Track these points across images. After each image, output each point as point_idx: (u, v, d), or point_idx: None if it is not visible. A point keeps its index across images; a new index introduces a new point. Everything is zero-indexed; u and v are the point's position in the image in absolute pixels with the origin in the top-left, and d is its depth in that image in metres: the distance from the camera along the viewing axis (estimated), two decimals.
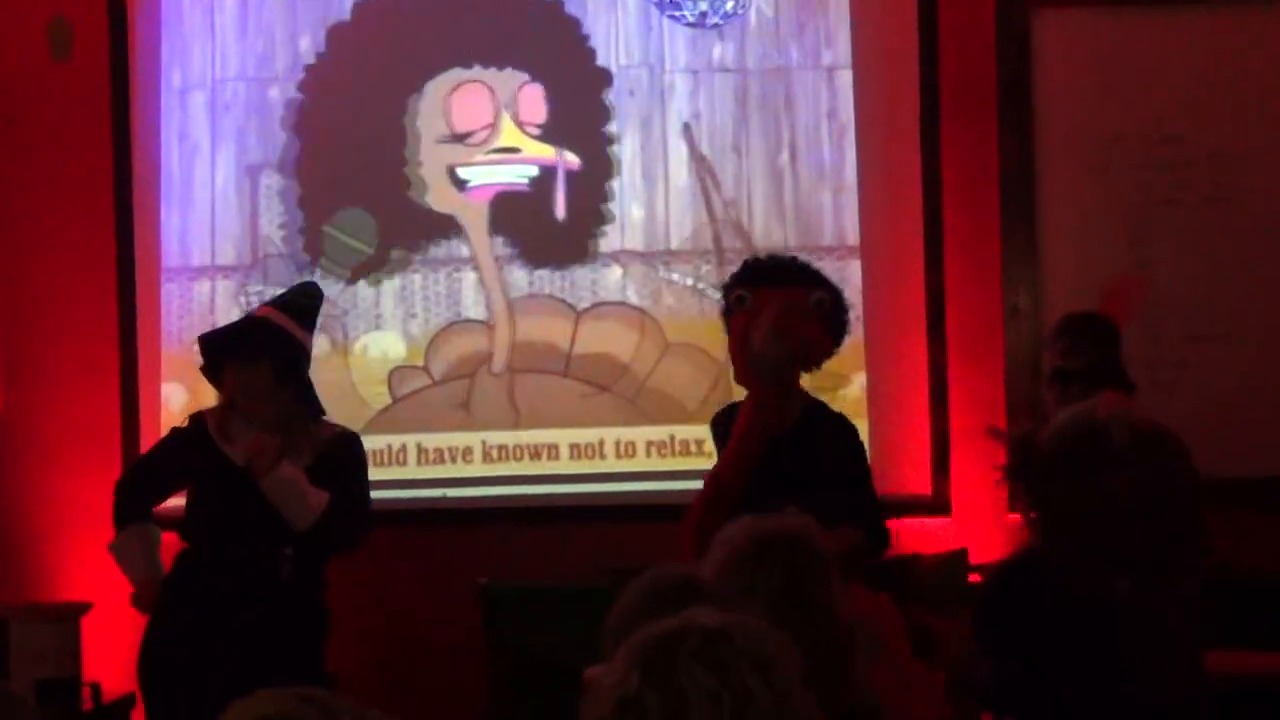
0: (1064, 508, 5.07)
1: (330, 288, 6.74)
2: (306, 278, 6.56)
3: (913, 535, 6.32)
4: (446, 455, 6.72)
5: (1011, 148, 6.60)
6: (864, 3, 6.72)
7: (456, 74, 6.82)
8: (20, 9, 6.69)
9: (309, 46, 6.83)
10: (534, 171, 6.79)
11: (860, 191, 6.69)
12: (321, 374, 5.87)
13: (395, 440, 6.64)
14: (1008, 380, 6.55)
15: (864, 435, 5.67)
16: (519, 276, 6.78)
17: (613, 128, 6.78)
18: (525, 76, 6.81)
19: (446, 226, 6.80)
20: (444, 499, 6.66)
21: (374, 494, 5.43)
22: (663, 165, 6.77)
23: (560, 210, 6.77)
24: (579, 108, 6.79)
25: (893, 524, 6.25)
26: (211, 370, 5.23)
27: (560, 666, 4.83)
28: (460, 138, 6.82)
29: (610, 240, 6.77)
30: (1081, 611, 2.89)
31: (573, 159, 6.77)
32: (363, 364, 6.77)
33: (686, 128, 6.78)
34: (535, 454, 6.72)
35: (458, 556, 6.44)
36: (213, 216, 6.79)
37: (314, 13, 6.82)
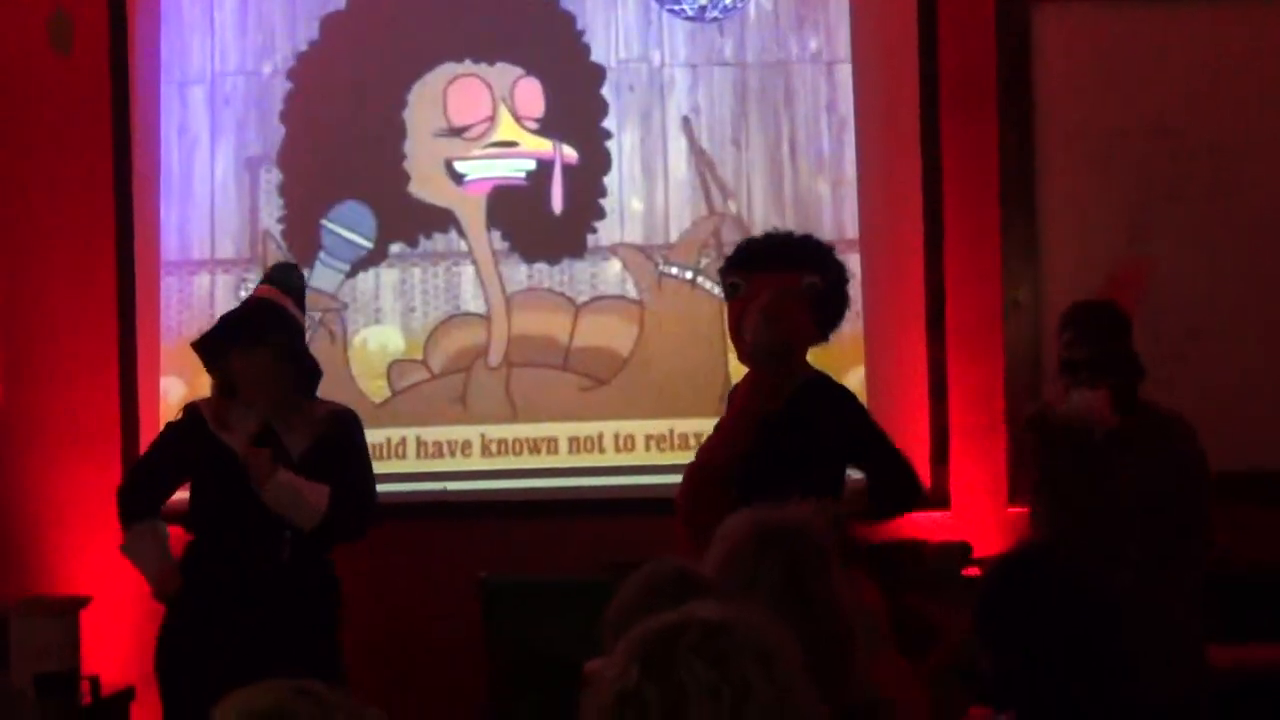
0: (1072, 487, 5.09)
1: (329, 281, 6.74)
2: (304, 271, 6.58)
3: (912, 529, 6.32)
4: (445, 449, 6.73)
5: (1011, 141, 6.60)
6: None
7: (451, 68, 6.82)
8: (20, 3, 6.69)
9: (307, 38, 6.82)
10: (531, 165, 6.79)
11: (860, 185, 6.69)
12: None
13: (394, 434, 6.64)
14: (1007, 374, 6.55)
15: None
16: (518, 270, 6.78)
17: (610, 122, 6.78)
18: (520, 71, 6.80)
19: (444, 220, 6.80)
20: (443, 492, 6.67)
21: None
22: (662, 159, 6.77)
23: (557, 204, 6.77)
24: (576, 102, 6.79)
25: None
26: (213, 358, 5.21)
27: (559, 660, 4.83)
28: (457, 131, 6.81)
29: (610, 234, 6.77)
30: (1083, 605, 2.88)
31: (570, 153, 6.77)
32: (362, 357, 6.77)
33: (686, 121, 6.78)
34: (534, 448, 6.72)
35: (457, 550, 6.44)
36: (212, 210, 6.79)
37: (313, 6, 6.82)
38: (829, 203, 6.73)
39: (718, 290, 6.20)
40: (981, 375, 6.54)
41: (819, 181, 6.73)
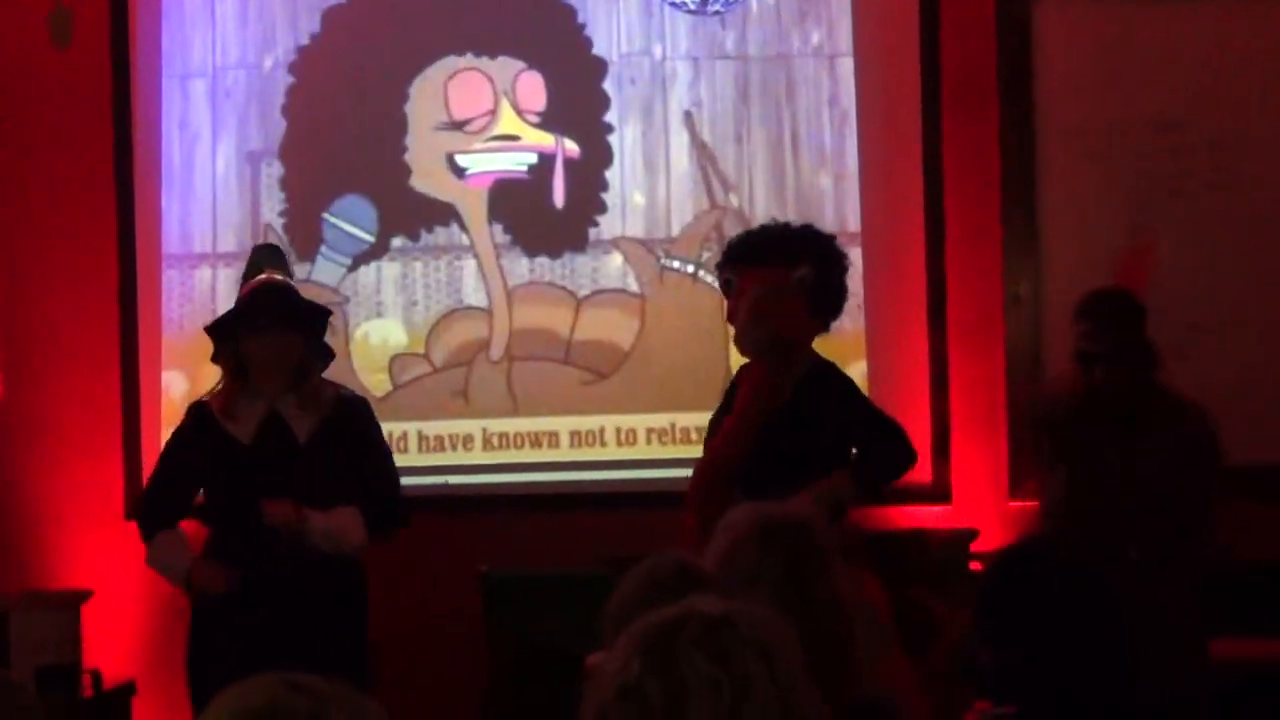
0: (1087, 472, 5.10)
1: (331, 275, 6.74)
2: (305, 265, 6.58)
3: (913, 523, 6.33)
4: (447, 443, 6.73)
5: (1012, 136, 6.60)
6: None
7: (452, 61, 6.81)
8: None
9: (308, 31, 6.82)
10: (533, 159, 6.79)
11: (861, 179, 6.69)
12: None
13: (396, 427, 6.63)
14: (1008, 368, 6.55)
15: None
16: (519, 264, 6.78)
17: (611, 116, 6.78)
18: (522, 64, 6.80)
19: (446, 214, 6.80)
20: (445, 486, 6.66)
21: None
22: (664, 153, 6.77)
23: (559, 198, 6.77)
24: (577, 96, 6.79)
25: (893, 513, 6.29)
26: (231, 341, 5.09)
27: (560, 654, 4.84)
28: (459, 125, 6.81)
29: (611, 227, 6.77)
30: (1084, 600, 2.88)
31: (572, 147, 6.77)
32: (363, 351, 6.76)
33: (688, 115, 6.78)
34: (536, 441, 6.72)
35: (458, 544, 6.44)
36: (214, 204, 6.79)
37: (314, 0, 6.82)
38: (830, 197, 6.73)
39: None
40: (982, 369, 6.54)
41: (821, 176, 6.73)
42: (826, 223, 6.55)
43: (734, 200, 6.74)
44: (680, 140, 6.77)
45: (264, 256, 5.31)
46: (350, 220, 6.77)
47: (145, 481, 5.47)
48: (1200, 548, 5.11)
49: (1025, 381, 6.46)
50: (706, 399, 6.40)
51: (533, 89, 6.80)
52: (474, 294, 6.77)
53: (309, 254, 6.75)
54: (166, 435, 6.39)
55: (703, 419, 6.45)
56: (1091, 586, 2.90)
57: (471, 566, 6.12)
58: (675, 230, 6.76)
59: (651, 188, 6.77)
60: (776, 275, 4.91)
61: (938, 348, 6.58)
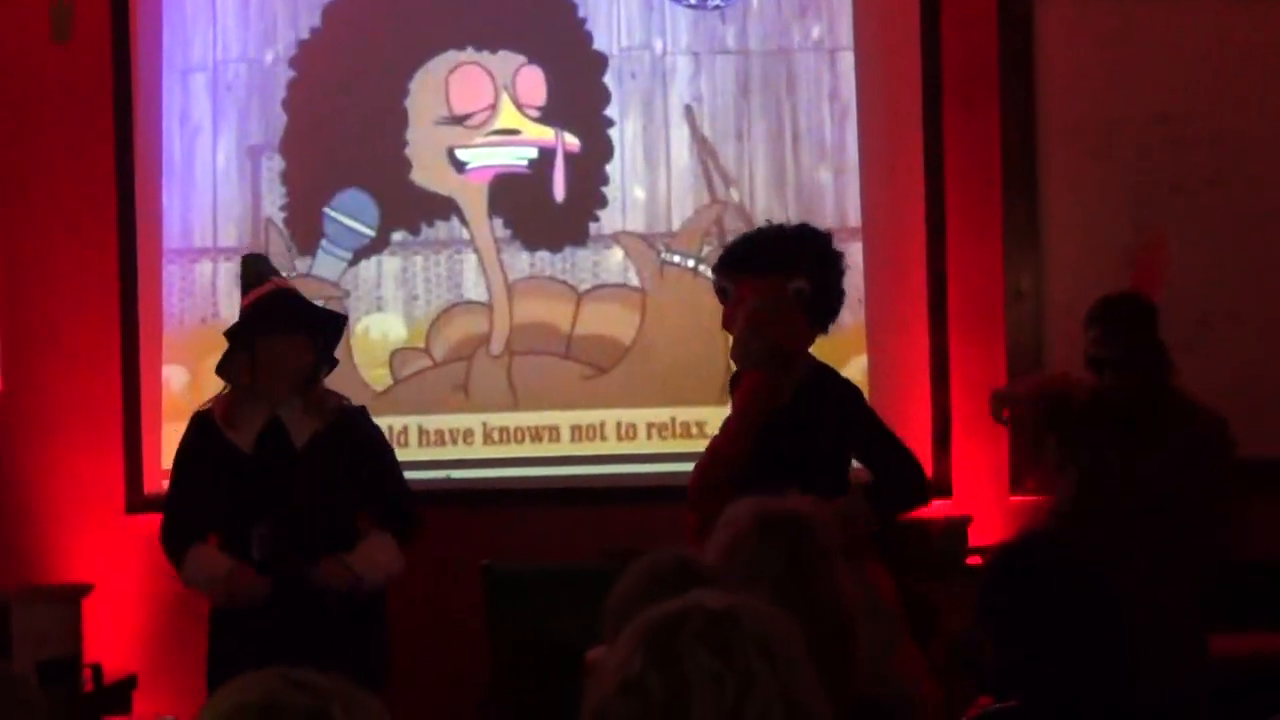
0: (1102, 473, 5.11)
1: (332, 270, 6.74)
2: (306, 259, 6.58)
3: (915, 514, 6.31)
4: (448, 437, 6.73)
5: (1013, 131, 6.60)
6: None
7: (453, 56, 6.81)
8: None
9: (309, 26, 6.82)
10: (533, 154, 6.79)
11: (862, 173, 6.69)
12: None
13: (396, 422, 6.63)
14: (1009, 362, 6.55)
15: None
16: (520, 258, 6.78)
17: (612, 110, 6.78)
18: (522, 59, 6.80)
19: (446, 208, 6.80)
20: (446, 480, 6.67)
21: None
22: (664, 147, 6.77)
23: (559, 192, 6.77)
24: (578, 90, 6.78)
25: None
26: (246, 345, 5.01)
27: (561, 647, 4.84)
28: (459, 119, 6.81)
29: (612, 222, 6.77)
30: (1085, 595, 2.88)
31: (572, 141, 6.77)
32: (364, 346, 6.77)
33: (688, 110, 6.78)
34: (536, 436, 6.72)
35: (459, 538, 6.44)
36: (214, 198, 6.79)
37: None
38: (831, 191, 6.72)
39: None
40: (983, 363, 6.54)
41: (821, 170, 6.73)
42: (827, 217, 6.56)
43: (734, 195, 6.74)
44: (681, 135, 6.77)
45: (262, 265, 5.28)
46: (351, 214, 6.78)
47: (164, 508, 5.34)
48: (1212, 552, 5.13)
49: (1026, 375, 6.45)
50: (707, 394, 6.41)
51: (533, 83, 6.80)
52: (474, 288, 6.78)
53: (309, 248, 6.75)
54: (167, 429, 6.43)
55: (703, 414, 6.48)
56: (1092, 580, 2.90)
57: (473, 560, 6.12)
58: (676, 225, 6.76)
59: (652, 182, 6.77)
60: (773, 285, 4.86)
61: (939, 342, 6.58)
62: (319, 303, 6.49)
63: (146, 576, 6.46)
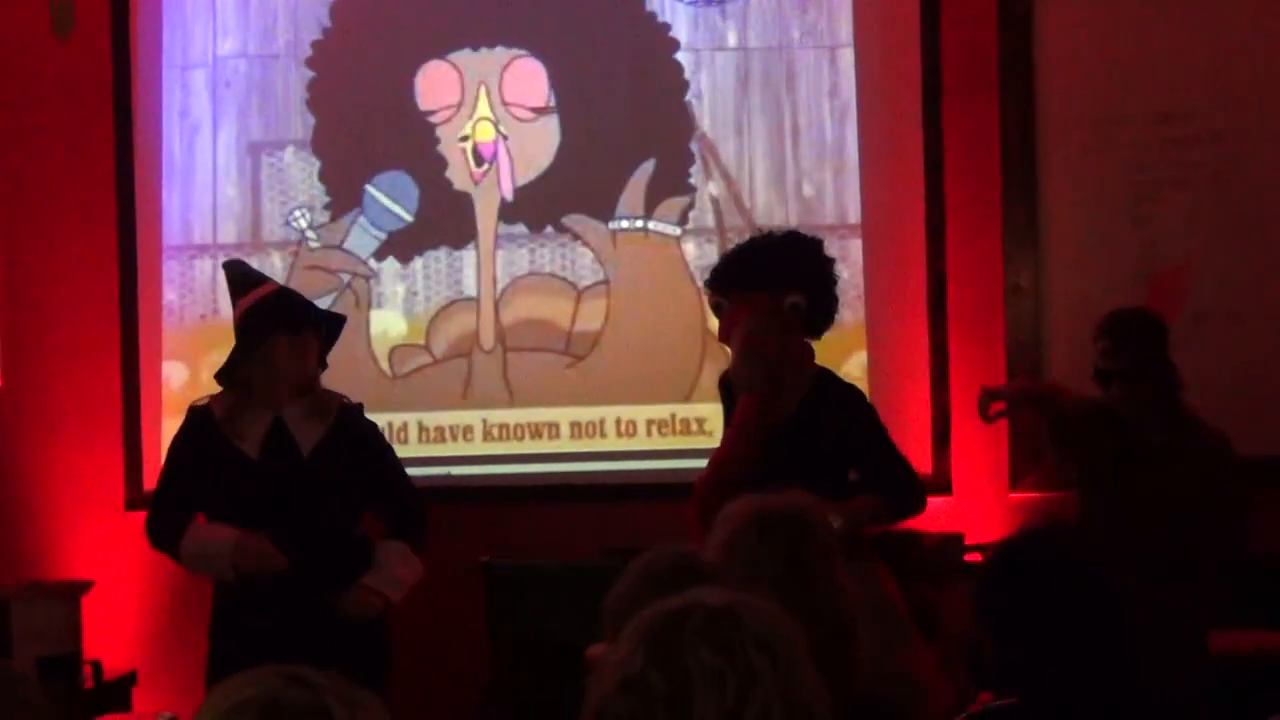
0: (1114, 489, 5.11)
1: (364, 247, 6.73)
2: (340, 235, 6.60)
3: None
4: (448, 434, 6.73)
5: (1013, 127, 6.59)
6: None
7: (465, 54, 6.80)
8: None
9: (310, 23, 6.81)
10: (539, 151, 6.78)
11: (862, 170, 6.69)
12: None
13: (396, 418, 6.64)
14: (1009, 359, 6.55)
15: None
16: (521, 255, 6.77)
17: (618, 106, 6.77)
18: (524, 54, 6.79)
19: (459, 204, 6.78)
20: (445, 477, 6.66)
21: None
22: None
23: (564, 189, 6.76)
24: (584, 85, 6.78)
25: None
26: (253, 347, 4.94)
27: (561, 644, 4.84)
28: (469, 117, 6.80)
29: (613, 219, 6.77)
30: (1085, 592, 2.88)
31: (582, 138, 6.76)
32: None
33: (688, 106, 6.77)
34: (536, 433, 6.72)
35: (459, 534, 6.43)
36: (214, 194, 6.79)
37: None
38: (831, 188, 6.72)
39: (673, 231, 6.36)
40: (983, 360, 6.54)
41: (821, 167, 6.73)
42: (826, 214, 6.56)
43: (734, 191, 6.73)
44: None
45: (247, 269, 5.21)
46: (391, 196, 6.76)
47: (154, 490, 5.25)
48: (1227, 568, 5.14)
49: (1026, 372, 6.46)
50: (706, 391, 6.41)
51: (536, 80, 6.79)
52: (474, 285, 6.77)
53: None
54: (167, 426, 6.42)
55: (703, 410, 6.48)
56: (1092, 584, 2.90)
57: (472, 557, 6.12)
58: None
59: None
60: (768, 301, 4.84)
61: (938, 339, 6.58)
62: (345, 277, 6.55)
63: (146, 573, 6.46)
